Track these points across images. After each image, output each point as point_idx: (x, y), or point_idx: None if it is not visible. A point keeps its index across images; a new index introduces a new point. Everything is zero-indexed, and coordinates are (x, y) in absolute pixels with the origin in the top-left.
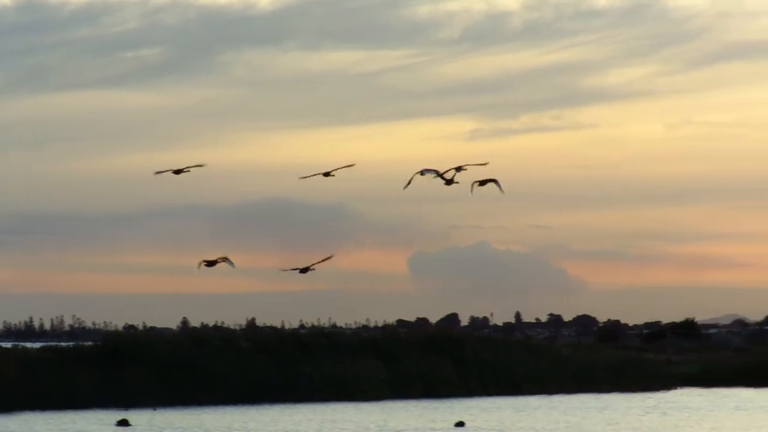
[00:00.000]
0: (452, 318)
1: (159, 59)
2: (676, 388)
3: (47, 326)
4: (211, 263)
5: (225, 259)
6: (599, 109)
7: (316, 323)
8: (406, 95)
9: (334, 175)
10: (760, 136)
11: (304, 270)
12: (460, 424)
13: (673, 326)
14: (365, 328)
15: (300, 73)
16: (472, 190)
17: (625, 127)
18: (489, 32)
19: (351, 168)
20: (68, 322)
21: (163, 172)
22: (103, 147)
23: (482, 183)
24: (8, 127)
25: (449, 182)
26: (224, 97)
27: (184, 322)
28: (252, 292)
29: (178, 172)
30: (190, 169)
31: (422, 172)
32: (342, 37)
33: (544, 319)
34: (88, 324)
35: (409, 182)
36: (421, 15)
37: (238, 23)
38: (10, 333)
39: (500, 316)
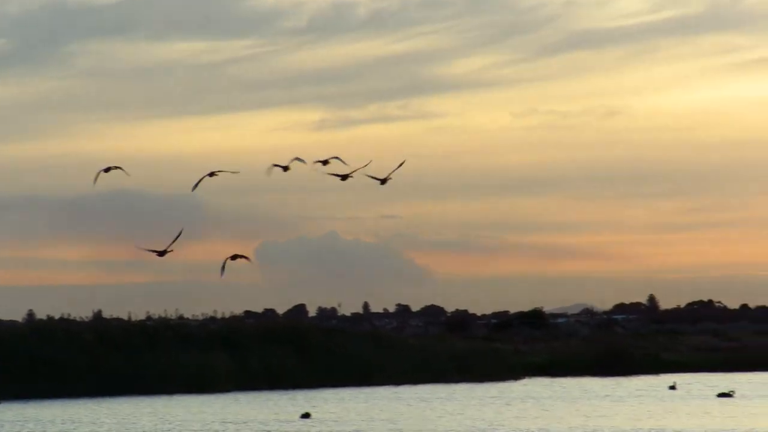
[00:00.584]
0: (300, 309)
1: (2, 50)
2: (523, 378)
3: None
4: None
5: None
6: (445, 99)
7: (163, 315)
8: (252, 85)
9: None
10: (605, 126)
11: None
12: (306, 415)
13: (521, 316)
14: (212, 319)
15: (146, 64)
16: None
17: (470, 117)
18: (335, 22)
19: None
20: None
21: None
22: None
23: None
24: None
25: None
26: (69, 88)
27: (30, 314)
28: (98, 284)
29: (107, 170)
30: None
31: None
32: (188, 27)
33: (392, 309)
34: None
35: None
36: (267, 4)
37: (83, 13)
38: None
39: (348, 307)
